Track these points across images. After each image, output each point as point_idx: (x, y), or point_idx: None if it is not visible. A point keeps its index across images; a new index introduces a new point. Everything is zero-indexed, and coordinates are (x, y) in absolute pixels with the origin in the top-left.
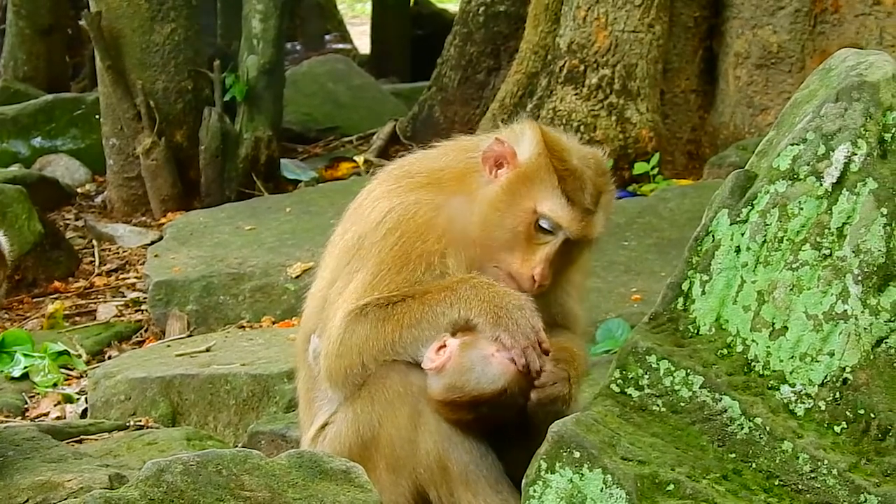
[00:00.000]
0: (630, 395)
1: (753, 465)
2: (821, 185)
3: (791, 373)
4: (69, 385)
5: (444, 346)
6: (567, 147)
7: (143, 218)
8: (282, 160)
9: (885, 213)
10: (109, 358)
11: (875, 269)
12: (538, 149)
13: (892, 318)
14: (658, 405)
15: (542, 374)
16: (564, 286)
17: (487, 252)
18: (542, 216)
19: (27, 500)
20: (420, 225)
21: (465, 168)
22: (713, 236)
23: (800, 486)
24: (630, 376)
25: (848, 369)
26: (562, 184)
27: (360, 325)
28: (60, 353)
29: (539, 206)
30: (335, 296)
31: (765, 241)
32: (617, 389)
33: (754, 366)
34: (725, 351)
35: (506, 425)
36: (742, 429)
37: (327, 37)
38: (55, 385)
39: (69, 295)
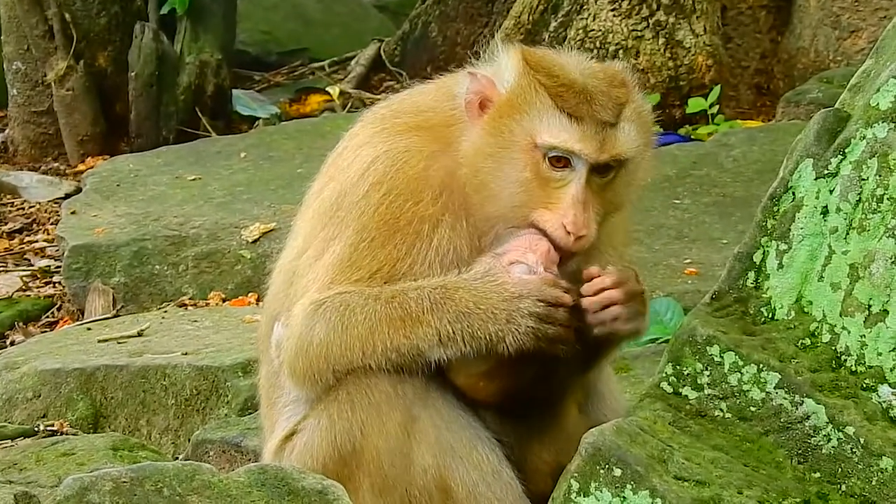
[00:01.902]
0: (686, 396)
1: (843, 488)
2: None
3: (892, 369)
4: None
5: None
6: (559, 63)
7: (56, 164)
8: (234, 91)
9: None
10: (12, 344)
11: None
12: (518, 68)
13: None
14: (721, 410)
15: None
16: (597, 255)
17: (501, 213)
18: (545, 147)
19: None
20: (411, 179)
21: (452, 117)
22: (793, 194)
23: None
24: (686, 373)
25: None
26: (558, 101)
27: (319, 324)
28: None
29: (539, 138)
30: (305, 268)
31: (860, 201)
32: (669, 389)
33: (845, 360)
34: (808, 341)
35: (531, 407)
36: (829, 441)
37: None
38: None
39: None
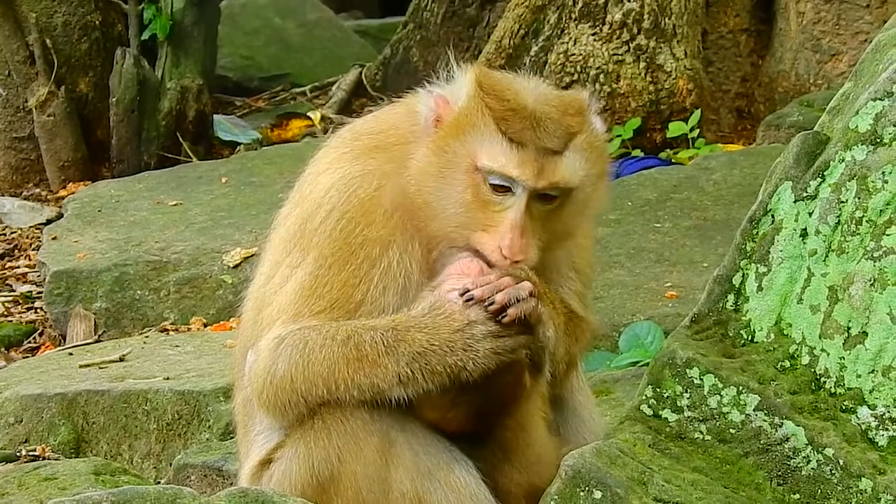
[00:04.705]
0: (665, 418)
1: None
2: None
3: (871, 391)
4: None
5: None
6: (514, 87)
7: (37, 189)
8: (215, 117)
9: None
10: None
11: None
12: (470, 90)
13: None
14: (701, 432)
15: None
16: (557, 279)
17: (443, 232)
18: (485, 171)
19: None
20: (363, 202)
21: (410, 132)
22: (773, 216)
23: None
24: (665, 395)
25: None
26: (502, 125)
27: (282, 360)
28: None
29: (479, 160)
30: (271, 295)
31: (839, 224)
32: (649, 412)
33: (824, 382)
34: (788, 363)
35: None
36: (808, 462)
37: None
38: None
39: None
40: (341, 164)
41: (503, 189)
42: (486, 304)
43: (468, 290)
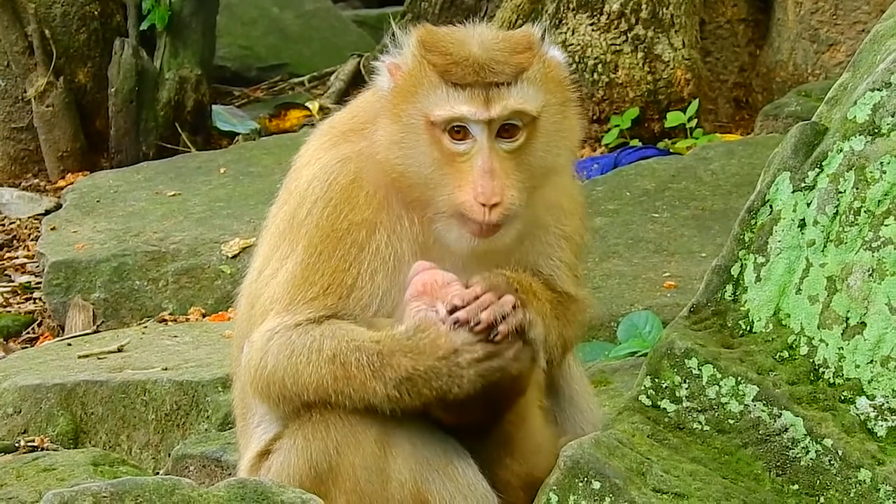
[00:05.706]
0: (664, 409)
1: (822, 500)
2: None
3: (870, 382)
4: None
5: None
6: (458, 39)
7: (36, 180)
8: (214, 107)
9: None
10: None
11: None
12: (413, 50)
13: None
14: (700, 422)
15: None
16: (546, 248)
17: (425, 198)
18: (439, 122)
19: None
20: (344, 187)
21: (378, 111)
22: (771, 207)
23: None
24: (664, 385)
25: None
26: (446, 76)
27: (270, 359)
28: None
29: (431, 114)
30: (262, 287)
31: (837, 214)
32: (647, 402)
33: (823, 372)
34: (786, 353)
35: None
36: (807, 453)
37: None
38: None
39: None
40: (319, 155)
41: (463, 135)
42: (472, 325)
43: (456, 308)
